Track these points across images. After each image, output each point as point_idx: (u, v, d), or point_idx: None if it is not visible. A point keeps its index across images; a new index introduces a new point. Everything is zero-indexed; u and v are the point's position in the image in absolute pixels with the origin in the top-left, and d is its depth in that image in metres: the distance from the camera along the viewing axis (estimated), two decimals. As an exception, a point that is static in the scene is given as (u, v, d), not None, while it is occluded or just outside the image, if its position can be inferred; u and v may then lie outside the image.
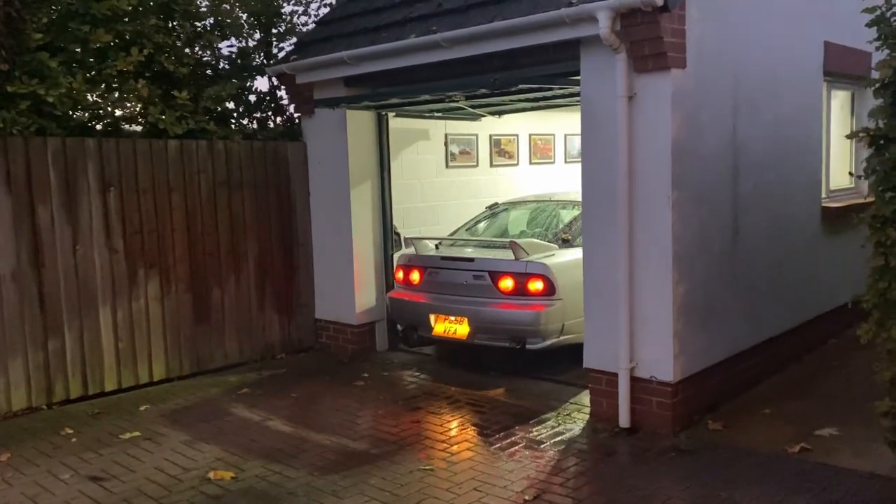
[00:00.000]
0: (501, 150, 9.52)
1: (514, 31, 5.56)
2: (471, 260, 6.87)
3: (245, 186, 7.34)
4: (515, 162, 9.74)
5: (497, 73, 6.00)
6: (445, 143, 8.81)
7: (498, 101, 7.14)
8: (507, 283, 6.58)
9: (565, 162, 10.49)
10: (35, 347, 6.08)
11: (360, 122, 7.50)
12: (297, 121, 8.15)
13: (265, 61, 8.06)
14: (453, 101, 6.76)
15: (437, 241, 7.48)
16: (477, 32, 5.74)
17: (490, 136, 9.33)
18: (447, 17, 6.28)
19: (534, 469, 4.77)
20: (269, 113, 8.11)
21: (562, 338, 6.56)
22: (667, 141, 5.11)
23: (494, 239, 7.48)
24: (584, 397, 6.07)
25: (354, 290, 7.54)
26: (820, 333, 7.29)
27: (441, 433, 5.47)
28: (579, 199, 7.76)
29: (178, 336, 6.92)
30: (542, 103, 7.49)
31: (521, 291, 6.53)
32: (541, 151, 10.10)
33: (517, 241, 6.67)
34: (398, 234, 8.02)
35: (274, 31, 8.02)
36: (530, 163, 9.95)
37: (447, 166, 8.88)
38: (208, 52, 7.33)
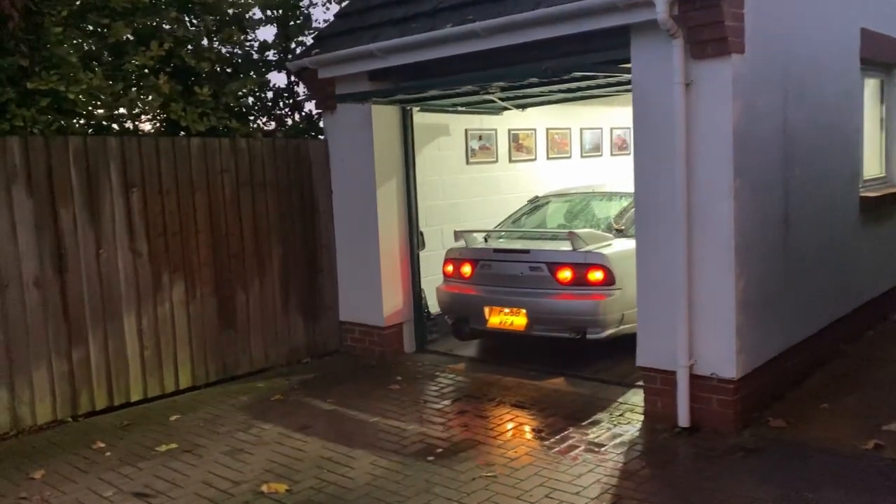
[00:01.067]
0: (520, 146, 9.31)
1: (560, 18, 5.35)
2: (526, 251, 6.77)
3: (268, 186, 7.07)
4: (533, 157, 9.53)
5: (536, 62, 5.81)
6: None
7: (531, 92, 6.92)
8: (565, 274, 6.51)
9: (581, 156, 10.30)
10: (59, 357, 5.78)
11: (384, 117, 7.26)
12: (314, 117, 7.91)
13: (282, 56, 7.79)
14: (488, 93, 6.54)
15: (485, 234, 7.40)
16: (521, 20, 5.52)
17: (509, 130, 9.12)
18: (482, 5, 6.05)
19: (602, 473, 4.57)
20: (287, 110, 7.83)
21: (621, 327, 6.50)
22: (727, 129, 4.94)
23: (550, 230, 7.39)
24: (632, 396, 5.92)
25: (381, 291, 7.30)
26: (859, 325, 7.16)
27: (494, 436, 5.26)
28: (623, 190, 7.79)
29: (203, 342, 6.65)
30: (578, 94, 7.29)
31: (580, 282, 6.47)
32: (558, 146, 9.91)
33: (576, 231, 6.55)
34: (421, 234, 7.80)
35: (291, 24, 7.74)
36: (547, 158, 9.76)
37: (468, 162, 8.66)
38: (228, 47, 7.04)
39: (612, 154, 10.85)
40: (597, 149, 10.58)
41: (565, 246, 6.61)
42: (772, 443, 4.93)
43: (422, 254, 7.72)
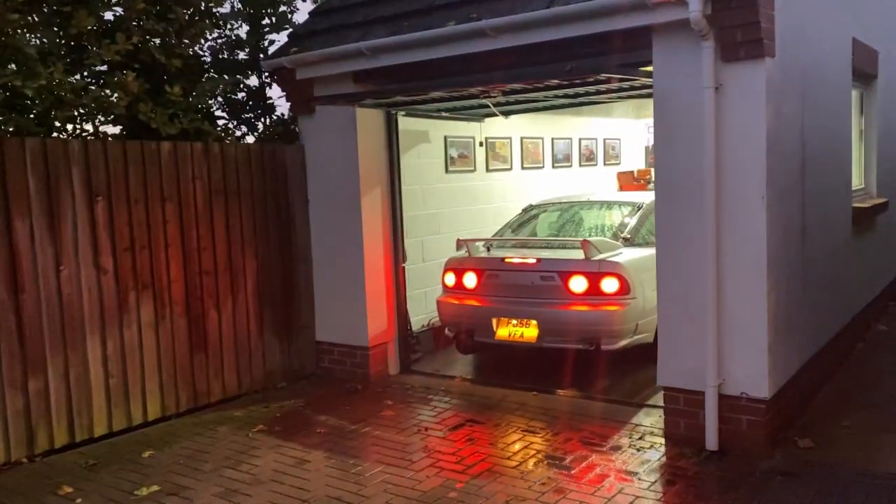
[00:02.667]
0: (496, 154, 8.97)
1: (579, 16, 5.02)
2: (537, 260, 6.45)
3: (242, 194, 6.48)
4: (509, 166, 9.20)
5: (545, 64, 5.47)
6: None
7: (533, 97, 6.57)
8: (578, 283, 6.27)
9: (553, 167, 10.04)
10: (14, 390, 5.06)
11: (368, 121, 6.78)
12: (289, 121, 7.34)
13: (254, 55, 7.20)
14: (489, 97, 6.16)
15: (485, 243, 7.12)
16: (534, 19, 5.17)
17: (486, 139, 8.76)
18: (483, 3, 5.69)
19: (646, 506, 4.22)
20: (259, 112, 7.24)
21: (635, 337, 6.34)
22: (761, 136, 4.69)
23: (559, 238, 7.09)
24: (646, 417, 5.64)
25: (366, 308, 6.79)
26: (851, 337, 7.09)
27: (514, 466, 4.84)
28: (622, 199, 7.64)
29: (173, 367, 6.00)
30: (582, 99, 6.97)
31: (594, 291, 6.23)
32: (531, 156, 9.62)
33: (589, 239, 6.29)
34: (401, 245, 7.34)
35: (264, 22, 7.17)
36: (522, 167, 9.45)
37: (447, 171, 8.24)
38: (200, 43, 6.42)
39: (580, 165, 10.66)
40: (567, 159, 10.36)
41: (576, 254, 6.34)
42: (806, 465, 4.68)
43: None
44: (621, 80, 5.41)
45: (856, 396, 5.93)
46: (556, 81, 5.37)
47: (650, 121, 12.12)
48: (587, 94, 6.45)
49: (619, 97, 6.92)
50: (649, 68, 5.10)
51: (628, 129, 11.85)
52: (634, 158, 12.08)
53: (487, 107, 7.11)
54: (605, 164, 11.27)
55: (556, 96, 6.63)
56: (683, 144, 4.94)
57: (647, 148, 12.32)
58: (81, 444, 5.42)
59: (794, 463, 4.72)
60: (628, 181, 11.45)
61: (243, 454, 5.21)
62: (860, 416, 5.50)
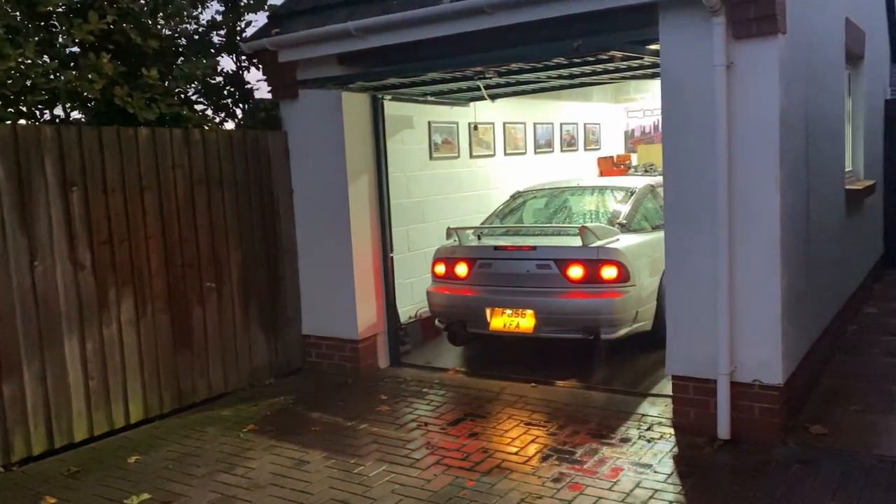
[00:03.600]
0: (480, 140, 8.75)
1: (583, -9, 4.82)
2: (532, 248, 6.25)
3: (225, 183, 6.17)
4: (492, 153, 8.99)
5: (545, 42, 5.27)
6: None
7: (527, 78, 6.33)
8: (576, 271, 6.10)
9: (535, 152, 9.86)
10: (-13, 395, 4.73)
11: (354, 106, 6.51)
12: (268, 105, 7.01)
13: (231, 37, 6.85)
14: (484, 78, 5.93)
15: (476, 232, 6.91)
16: (536, -6, 4.95)
17: (469, 124, 8.53)
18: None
19: (668, 500, 4.06)
20: (237, 97, 6.91)
21: (634, 325, 6.20)
22: (774, 115, 4.55)
23: (553, 225, 6.90)
24: (650, 407, 5.52)
25: (356, 299, 6.54)
26: (843, 319, 7.05)
27: (523, 461, 4.65)
28: (613, 184, 7.49)
29: (156, 366, 5.69)
30: (578, 81, 6.77)
31: (593, 279, 6.06)
32: (513, 141, 9.42)
33: (587, 225, 6.09)
34: (387, 235, 7.09)
35: (242, 2, 6.82)
36: (505, 153, 9.25)
37: (431, 157, 8.00)
38: (175, 24, 6.07)
39: (561, 150, 10.51)
40: (548, 144, 10.19)
41: (573, 241, 6.16)
42: (822, 453, 4.57)
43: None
44: (624, 58, 5.21)
45: (858, 380, 5.86)
46: (556, 61, 5.14)
47: (630, 105, 12.13)
48: (583, 74, 6.25)
49: (612, 78, 6.73)
50: (655, 46, 4.92)
51: (608, 114, 11.73)
52: (614, 143, 11.97)
53: (477, 89, 6.87)
54: (585, 149, 11.14)
55: (550, 77, 6.42)
56: (693, 125, 4.77)
57: (626, 133, 12.23)
58: (61, 451, 5.09)
59: (810, 450, 4.62)
60: (608, 167, 11.34)
61: (237, 456, 4.94)
62: (866, 400, 5.43)
